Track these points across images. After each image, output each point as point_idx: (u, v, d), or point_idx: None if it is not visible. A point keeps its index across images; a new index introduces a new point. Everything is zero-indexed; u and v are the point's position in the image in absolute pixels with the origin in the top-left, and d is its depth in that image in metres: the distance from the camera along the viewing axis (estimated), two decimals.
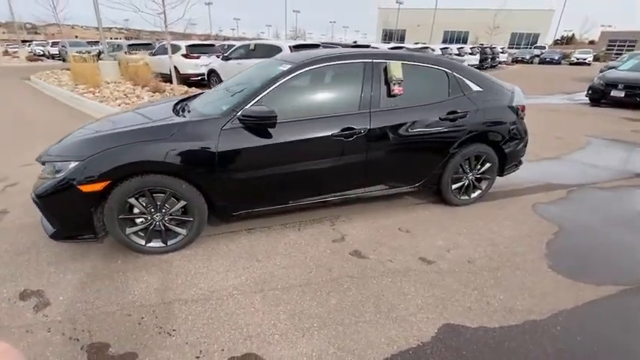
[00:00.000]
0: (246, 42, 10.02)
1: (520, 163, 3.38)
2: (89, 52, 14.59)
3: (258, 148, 2.34)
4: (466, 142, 2.92)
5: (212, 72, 10.01)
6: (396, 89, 2.64)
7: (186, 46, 11.09)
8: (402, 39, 50.66)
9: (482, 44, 27.30)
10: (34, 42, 29.28)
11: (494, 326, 1.86)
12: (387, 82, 2.64)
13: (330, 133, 2.47)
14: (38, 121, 6.40)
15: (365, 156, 2.63)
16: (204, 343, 1.72)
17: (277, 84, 2.42)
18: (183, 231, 2.41)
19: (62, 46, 21.38)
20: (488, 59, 20.51)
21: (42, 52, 24.90)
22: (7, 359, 0.45)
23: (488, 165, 3.13)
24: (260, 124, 2.29)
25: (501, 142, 3.07)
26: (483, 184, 3.23)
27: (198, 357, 1.64)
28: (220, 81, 9.50)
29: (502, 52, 24.64)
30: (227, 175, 2.33)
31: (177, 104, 2.82)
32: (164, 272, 2.24)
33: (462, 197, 3.19)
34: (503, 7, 37.00)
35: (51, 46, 24.28)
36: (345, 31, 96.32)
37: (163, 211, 2.32)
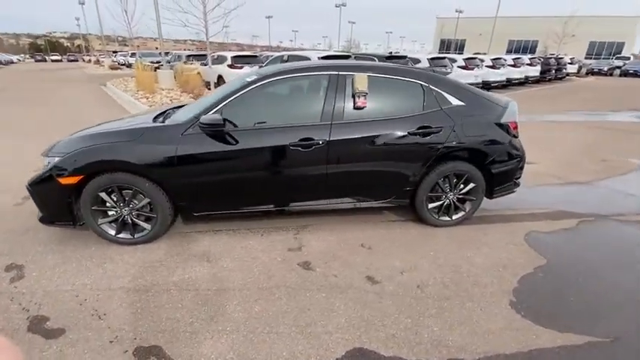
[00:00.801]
0: (282, 53, 10.48)
1: (516, 185, 3.06)
2: (157, 62, 16.44)
3: (214, 153, 2.47)
4: (442, 158, 2.75)
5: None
6: (360, 102, 2.59)
7: (231, 57, 11.97)
8: (461, 49, 48.39)
9: (551, 54, 24.85)
10: (119, 53, 33.75)
11: (410, 359, 1.72)
12: (353, 95, 2.61)
13: (287, 143, 2.51)
14: (93, 120, 7.39)
15: (325, 167, 2.62)
16: (124, 330, 1.86)
17: (238, 94, 2.54)
18: (148, 226, 2.62)
19: (137, 57, 24.71)
20: (551, 70, 18.60)
21: (122, 62, 28.60)
22: (5, 356, 0.43)
23: (471, 185, 2.89)
24: (215, 132, 2.42)
25: (487, 162, 2.82)
26: (467, 206, 2.98)
27: (112, 341, 1.79)
28: None
29: (570, 63, 22.16)
30: (186, 176, 2.50)
31: (165, 111, 3.09)
32: (124, 262, 2.46)
33: (442, 218, 2.98)
34: (576, 13, 33.10)
35: (130, 57, 27.83)
36: (401, 42, 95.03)
37: (131, 206, 2.56)
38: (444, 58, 11.83)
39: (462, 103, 2.79)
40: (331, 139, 2.55)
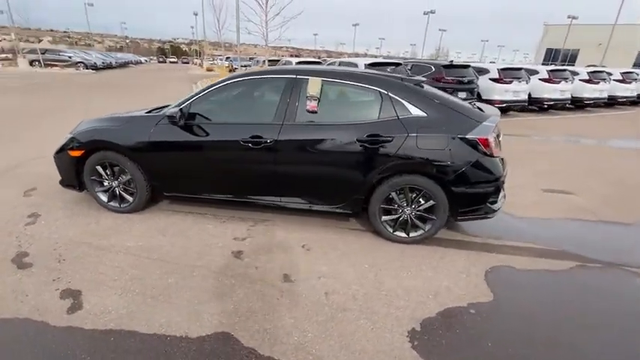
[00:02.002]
0: (336, 59, 10.69)
1: (490, 210, 2.69)
2: (245, 66, 18.38)
3: (177, 142, 2.83)
4: (393, 170, 2.61)
5: None
6: (310, 106, 2.64)
7: (295, 63, 12.68)
8: (572, 60, 41.74)
9: None
10: (218, 57, 38.58)
11: (263, 354, 1.75)
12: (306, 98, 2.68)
13: (239, 139, 2.72)
14: None
15: (274, 166, 2.74)
16: (67, 274, 2.30)
17: (205, 92, 2.85)
18: (130, 199, 3.12)
19: (230, 60, 28.62)
20: None
21: (218, 65, 32.69)
22: None
23: (431, 203, 2.67)
24: (173, 123, 2.76)
25: (447, 179, 2.57)
26: (427, 225, 2.75)
27: (54, 280, 2.24)
28: None
29: None
30: (156, 160, 2.91)
31: (166, 105, 3.59)
32: (102, 224, 2.98)
33: (398, 233, 2.81)
34: None
35: (225, 60, 31.59)
36: (499, 51, 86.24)
37: (119, 180, 3.08)
38: (520, 69, 10.51)
39: (423, 114, 2.60)
40: (279, 138, 2.67)
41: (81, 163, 3.06)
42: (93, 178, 3.10)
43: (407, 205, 2.73)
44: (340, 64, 9.53)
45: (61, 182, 3.25)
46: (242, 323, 1.95)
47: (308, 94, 2.64)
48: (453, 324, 2.01)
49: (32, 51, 22.39)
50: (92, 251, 2.59)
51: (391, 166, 2.60)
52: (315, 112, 2.67)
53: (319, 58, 25.48)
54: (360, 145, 2.59)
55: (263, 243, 2.80)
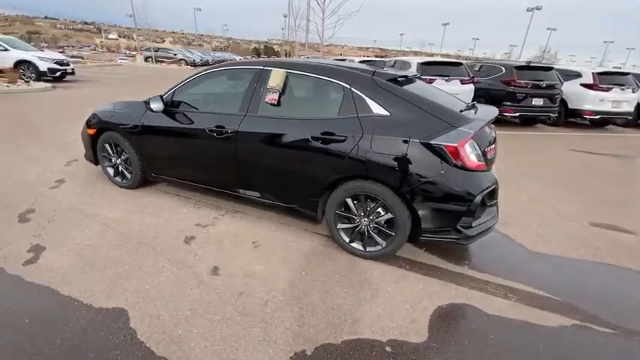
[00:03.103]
0: (392, 59, 10.08)
1: (460, 235, 2.20)
2: None
3: (158, 127, 3.02)
4: (345, 173, 2.33)
5: None
6: (269, 98, 2.52)
7: (358, 62, 12.41)
8: None
9: None
10: (303, 57, 40.47)
11: (139, 339, 1.74)
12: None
13: (206, 127, 2.76)
14: None
15: (234, 157, 2.71)
16: (47, 232, 2.66)
17: (186, 81, 2.97)
18: (129, 176, 3.46)
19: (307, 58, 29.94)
20: None
21: None
22: None
23: (388, 215, 2.31)
24: (150, 110, 2.94)
25: (405, 190, 2.18)
26: (386, 241, 2.39)
27: (34, 235, 2.62)
28: None
29: None
30: (144, 142, 3.16)
31: None
32: (100, 194, 3.37)
33: (354, 245, 2.52)
34: None
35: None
36: (628, 54, 70.40)
37: (121, 158, 3.44)
38: (626, 74, 8.41)
39: (386, 113, 2.26)
40: (239, 129, 2.63)
41: (95, 140, 3.51)
42: (103, 154, 3.53)
43: (364, 215, 2.42)
44: (396, 62, 9.01)
45: (85, 156, 3.78)
46: (143, 304, 1.98)
47: (268, 86, 2.54)
48: (353, 357, 1.71)
49: (147, 49, 26.81)
50: (79, 217, 2.95)
51: (343, 168, 2.33)
52: (275, 105, 2.55)
53: (381, 57, 24.71)
54: (313, 143, 2.39)
55: (220, 233, 2.81)
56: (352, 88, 2.36)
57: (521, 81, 7.75)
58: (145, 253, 2.48)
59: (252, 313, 1.96)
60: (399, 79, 2.53)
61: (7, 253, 2.39)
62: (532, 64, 8.21)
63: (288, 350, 1.73)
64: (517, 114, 7.89)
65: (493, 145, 2.35)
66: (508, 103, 7.89)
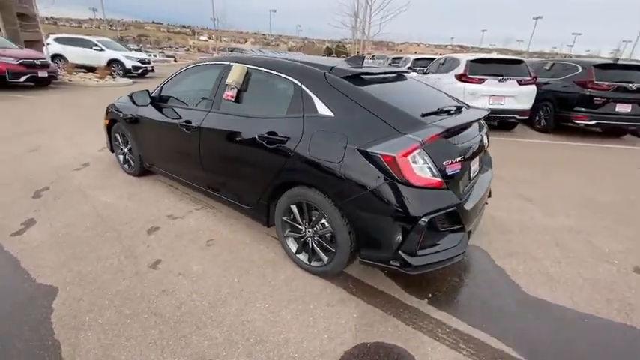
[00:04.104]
0: (440, 56, 9.09)
1: (404, 264, 1.82)
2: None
3: (148, 119, 3.18)
4: (285, 178, 2.13)
5: None
6: (226, 94, 2.42)
7: (413, 59, 11.65)
8: None
9: None
10: (374, 55, 39.99)
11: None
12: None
13: (178, 122, 2.80)
14: None
15: (199, 153, 2.70)
16: (45, 209, 3.00)
17: (173, 76, 3.06)
18: (133, 164, 3.73)
19: (372, 57, 29.49)
20: None
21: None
22: None
23: (328, 228, 2.04)
24: (134, 103, 3.10)
25: (342, 202, 1.90)
26: (328, 258, 2.12)
27: (34, 210, 2.98)
28: None
29: None
30: (138, 133, 3.37)
31: None
32: (109, 181, 3.69)
33: (300, 256, 2.31)
34: None
35: (370, 58, 32.40)
36: None
37: (127, 147, 3.73)
38: None
39: (331, 114, 1.98)
40: (202, 125, 2.61)
41: (109, 129, 3.87)
42: (115, 143, 3.88)
43: (308, 225, 2.19)
44: (446, 60, 8.17)
45: (106, 144, 4.21)
46: (75, 286, 2.09)
47: (227, 82, 2.46)
48: None
49: (224, 49, 29.21)
50: (79, 198, 3.28)
51: (284, 173, 2.13)
52: (233, 102, 2.46)
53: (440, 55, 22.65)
54: (259, 144, 2.23)
55: (184, 227, 2.84)
56: (302, 86, 2.14)
57: (601, 82, 6.35)
58: (108, 238, 2.63)
59: (160, 314, 1.92)
60: (367, 76, 2.22)
61: (4, 224, 2.75)
62: (619, 62, 6.67)
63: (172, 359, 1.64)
64: (593, 122, 6.50)
65: (462, 158, 1.90)
66: (582, 109, 6.55)
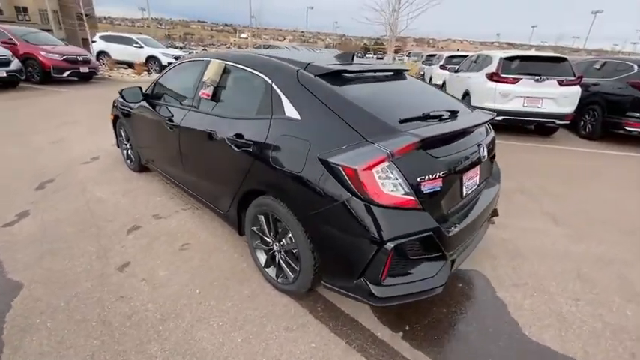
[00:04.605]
0: (475, 53, 8.35)
1: (367, 294, 1.56)
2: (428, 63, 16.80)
3: (141, 116, 3.15)
4: (250, 185, 1.95)
5: (443, 84, 9.60)
6: (202, 92, 2.28)
7: (446, 57, 10.99)
8: None
9: None
10: (405, 52, 38.60)
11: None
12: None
13: (162, 120, 2.73)
14: None
15: (179, 152, 2.61)
16: (46, 200, 3.08)
17: (161, 75, 3.00)
18: (133, 160, 3.75)
19: (407, 54, 28.52)
20: None
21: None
22: None
23: (293, 244, 1.83)
24: (125, 99, 3.07)
25: (304, 217, 1.68)
26: (292, 275, 1.91)
27: (32, 202, 3.06)
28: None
29: None
30: (133, 129, 3.36)
31: None
32: (112, 176, 3.75)
33: (269, 271, 2.12)
34: None
35: (407, 56, 31.20)
36: None
37: (129, 143, 3.76)
38: None
39: (297, 117, 1.76)
40: (181, 124, 2.51)
41: (114, 124, 3.94)
42: (120, 138, 3.94)
43: (275, 239, 2.00)
44: (478, 57, 7.51)
45: (115, 139, 4.30)
46: (39, 285, 2.06)
47: (203, 79, 2.32)
48: None
49: (259, 47, 29.68)
50: (77, 192, 3.34)
51: (248, 180, 1.95)
52: (209, 100, 2.32)
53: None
54: (229, 147, 2.07)
55: (165, 228, 2.77)
56: (273, 84, 1.94)
57: None
58: (88, 235, 2.62)
59: (109, 323, 1.82)
60: (349, 74, 1.97)
61: (4, 210, 2.86)
62: None
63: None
64: None
65: (445, 173, 1.59)
66: (636, 115, 5.70)
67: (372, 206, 1.48)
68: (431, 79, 12.03)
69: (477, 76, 6.62)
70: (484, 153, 1.89)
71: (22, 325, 1.78)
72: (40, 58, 9.30)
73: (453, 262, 1.72)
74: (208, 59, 2.50)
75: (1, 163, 3.98)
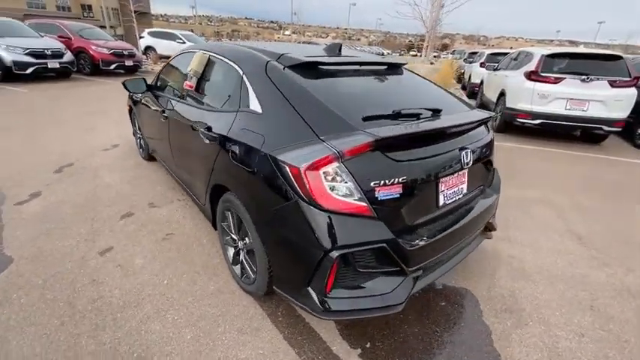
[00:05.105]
0: (514, 50, 7.55)
1: (311, 304, 1.43)
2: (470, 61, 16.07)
3: (142, 105, 3.22)
4: (216, 180, 1.89)
5: (481, 83, 8.91)
6: (186, 83, 2.26)
7: (488, 55, 10.21)
8: None
9: None
10: (455, 50, 36.93)
11: None
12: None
13: (161, 108, 2.77)
14: None
15: (169, 142, 2.62)
16: (59, 184, 3.30)
17: (162, 67, 3.04)
18: (143, 148, 3.90)
19: (452, 52, 27.22)
20: None
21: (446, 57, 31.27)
22: None
23: (249, 241, 1.75)
24: (127, 89, 3.15)
25: (254, 215, 1.58)
26: (253, 276, 1.83)
27: (47, 184, 3.29)
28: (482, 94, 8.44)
29: None
30: (142, 118, 3.47)
31: None
32: (125, 163, 3.93)
33: (235, 268, 2.06)
34: None
35: (450, 53, 29.69)
36: None
37: (140, 132, 3.91)
38: None
39: (259, 110, 1.66)
40: (169, 115, 2.52)
41: (130, 114, 4.12)
42: (134, 127, 4.11)
43: (239, 236, 1.93)
44: (519, 54, 6.84)
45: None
46: (27, 262, 2.19)
47: (187, 70, 2.30)
48: None
49: (297, 43, 30.04)
50: (89, 177, 3.53)
51: (214, 174, 1.90)
52: (192, 91, 2.29)
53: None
54: (201, 139, 2.02)
55: (155, 216, 2.82)
56: (243, 75, 1.86)
57: None
58: (84, 218, 2.75)
59: (74, 305, 1.87)
60: (326, 67, 1.83)
61: (17, 193, 3.10)
62: None
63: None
64: None
65: (407, 179, 1.40)
66: None
67: (316, 210, 1.35)
68: (469, 78, 11.27)
69: (515, 74, 6.04)
70: (468, 159, 1.66)
71: (0, 299, 1.90)
72: (90, 51, 10.12)
73: (416, 279, 1.53)
74: (196, 51, 2.48)
75: (33, 145, 4.35)
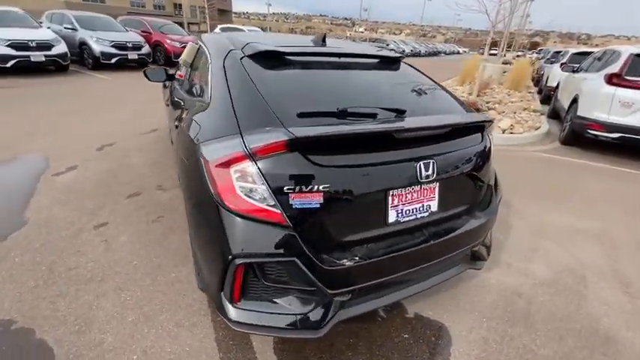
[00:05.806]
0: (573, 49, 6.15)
1: (225, 317, 1.31)
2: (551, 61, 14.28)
3: (165, 94, 3.40)
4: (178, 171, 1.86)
5: (557, 86, 7.69)
6: (178, 73, 2.28)
7: (572, 54, 8.76)
8: None
9: None
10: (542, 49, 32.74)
11: None
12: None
13: (170, 100, 2.88)
14: None
15: (170, 132, 2.71)
16: (95, 160, 3.70)
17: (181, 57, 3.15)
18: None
19: (538, 51, 24.02)
20: None
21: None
22: None
23: None
24: (148, 79, 3.30)
25: (188, 207, 1.53)
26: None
27: (85, 159, 3.70)
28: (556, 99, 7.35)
29: None
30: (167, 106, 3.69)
31: None
32: (152, 147, 4.25)
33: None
34: None
35: (536, 53, 26.28)
36: None
37: None
38: None
39: (207, 100, 1.58)
40: (169, 104, 2.60)
41: None
42: None
43: None
44: (604, 53, 5.65)
45: None
46: (36, 226, 2.47)
47: (179, 59, 2.33)
48: None
49: (364, 40, 29.52)
50: (120, 157, 3.89)
51: (177, 165, 1.88)
52: (184, 81, 2.32)
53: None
54: (180, 130, 2.03)
55: (156, 200, 2.98)
56: (209, 65, 1.81)
57: None
58: (97, 193, 3.02)
59: (52, 270, 2.05)
60: (296, 57, 1.69)
61: (58, 165, 3.54)
62: None
63: None
64: None
65: (330, 188, 1.20)
66: None
67: (225, 211, 1.23)
68: (546, 80, 9.81)
69: (593, 77, 5.05)
70: (429, 171, 1.37)
71: (1, 256, 2.17)
72: (165, 45, 11.25)
73: (342, 303, 1.32)
74: (195, 42, 2.53)
75: (89, 125, 4.95)
